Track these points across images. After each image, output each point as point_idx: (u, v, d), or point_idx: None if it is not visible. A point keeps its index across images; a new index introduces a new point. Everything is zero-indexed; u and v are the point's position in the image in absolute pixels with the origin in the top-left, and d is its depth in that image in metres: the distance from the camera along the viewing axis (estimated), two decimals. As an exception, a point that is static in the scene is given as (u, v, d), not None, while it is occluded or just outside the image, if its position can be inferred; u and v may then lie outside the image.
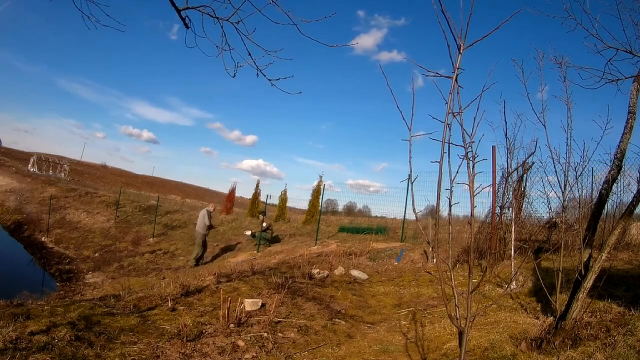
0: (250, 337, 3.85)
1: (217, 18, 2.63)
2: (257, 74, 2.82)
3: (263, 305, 4.83)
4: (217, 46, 2.77)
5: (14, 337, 2.99)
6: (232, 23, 2.65)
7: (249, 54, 2.76)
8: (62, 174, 28.57)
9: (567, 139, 3.90)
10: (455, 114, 1.87)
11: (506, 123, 6.19)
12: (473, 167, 1.96)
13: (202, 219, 11.56)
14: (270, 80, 2.86)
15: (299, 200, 29.70)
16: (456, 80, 1.84)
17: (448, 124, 1.87)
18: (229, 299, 4.28)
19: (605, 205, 5.52)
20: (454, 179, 1.95)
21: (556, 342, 3.31)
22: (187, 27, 2.71)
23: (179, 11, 2.56)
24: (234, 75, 2.82)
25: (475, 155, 1.95)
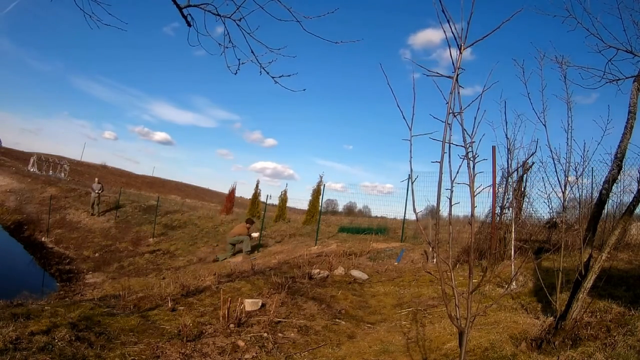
0: (251, 337, 3.85)
1: (219, 15, 2.63)
2: (260, 72, 2.82)
3: (263, 305, 4.83)
4: (219, 44, 2.77)
5: (14, 337, 2.99)
6: (234, 20, 2.65)
7: (252, 52, 2.77)
8: (62, 174, 28.58)
9: (568, 139, 3.90)
10: (455, 114, 1.87)
11: (506, 123, 6.19)
12: (473, 167, 1.96)
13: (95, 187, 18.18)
14: (273, 77, 2.87)
15: (299, 200, 29.63)
16: (457, 80, 1.84)
17: (449, 124, 1.87)
18: (229, 299, 4.28)
19: (606, 205, 5.52)
20: (454, 179, 1.95)
21: (556, 342, 3.31)
22: (190, 25, 2.70)
23: (180, 9, 2.56)
24: (236, 73, 2.82)
25: (476, 155, 1.95)
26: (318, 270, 6.89)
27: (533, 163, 6.55)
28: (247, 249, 11.49)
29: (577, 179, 3.95)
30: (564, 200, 4.03)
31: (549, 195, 4.57)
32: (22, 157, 33.61)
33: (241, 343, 3.70)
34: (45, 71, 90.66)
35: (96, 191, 18.13)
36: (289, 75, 2.83)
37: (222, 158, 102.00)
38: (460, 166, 1.96)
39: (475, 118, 1.92)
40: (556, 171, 4.02)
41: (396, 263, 8.08)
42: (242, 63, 2.77)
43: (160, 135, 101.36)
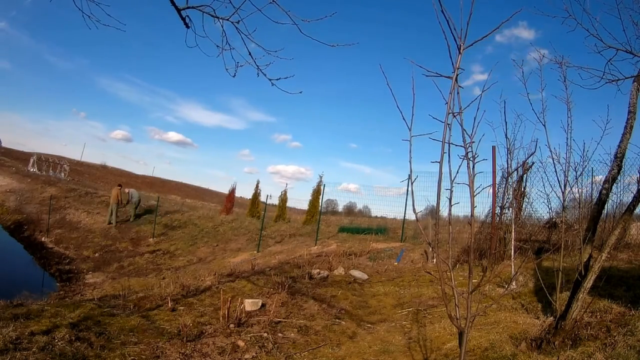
0: (251, 337, 3.85)
1: (218, 17, 2.63)
2: (258, 74, 2.82)
3: (263, 305, 4.83)
4: (217, 46, 2.77)
5: (14, 337, 2.99)
6: (232, 22, 2.65)
7: (250, 54, 2.77)
8: (62, 174, 28.56)
9: (567, 139, 3.90)
10: (455, 114, 1.87)
11: (506, 123, 6.20)
12: (473, 167, 1.96)
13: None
14: (270, 80, 2.87)
15: (299, 200, 29.54)
16: (456, 80, 1.84)
17: (448, 124, 1.87)
18: (229, 299, 4.28)
19: (605, 206, 5.51)
20: (454, 179, 1.95)
21: (556, 342, 3.31)
22: (188, 27, 2.70)
23: (179, 11, 2.56)
24: (234, 75, 2.82)
25: (476, 156, 1.95)
26: (318, 270, 6.90)
27: (533, 163, 6.56)
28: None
29: (577, 179, 3.95)
30: (564, 200, 4.03)
31: (549, 195, 4.57)
32: (22, 157, 33.58)
33: (241, 343, 3.70)
34: (67, 69, 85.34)
35: (134, 199, 17.56)
36: (286, 78, 2.83)
37: (241, 160, 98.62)
38: (460, 166, 1.96)
39: (474, 118, 1.92)
40: (556, 171, 4.02)
41: (396, 263, 8.08)
42: (240, 65, 2.78)
43: (177, 137, 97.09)
